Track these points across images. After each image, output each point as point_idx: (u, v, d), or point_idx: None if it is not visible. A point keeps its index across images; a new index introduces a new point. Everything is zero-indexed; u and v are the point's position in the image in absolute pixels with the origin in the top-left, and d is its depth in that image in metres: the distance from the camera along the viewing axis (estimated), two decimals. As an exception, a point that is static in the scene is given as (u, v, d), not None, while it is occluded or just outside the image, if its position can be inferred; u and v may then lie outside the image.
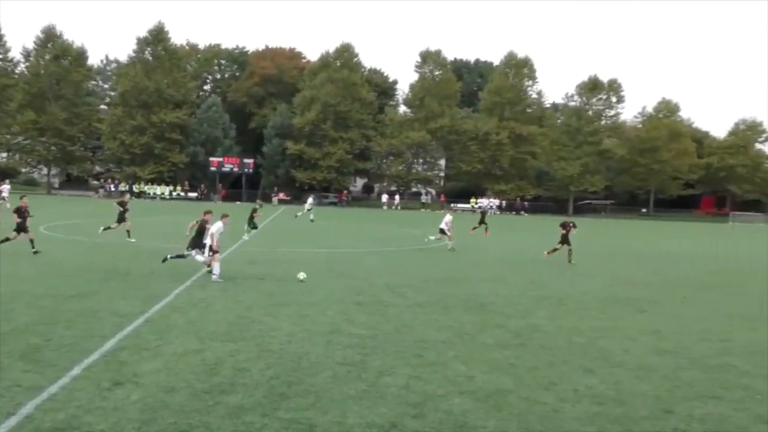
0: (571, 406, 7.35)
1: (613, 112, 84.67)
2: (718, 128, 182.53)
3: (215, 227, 15.64)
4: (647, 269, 22.35)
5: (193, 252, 15.92)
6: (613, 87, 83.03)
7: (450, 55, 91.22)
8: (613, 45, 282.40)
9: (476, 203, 75.26)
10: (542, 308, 13.54)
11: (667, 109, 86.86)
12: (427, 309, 12.91)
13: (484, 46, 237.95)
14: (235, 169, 78.60)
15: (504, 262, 22.49)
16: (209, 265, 15.59)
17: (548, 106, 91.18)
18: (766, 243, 42.79)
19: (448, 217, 25.54)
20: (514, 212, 75.11)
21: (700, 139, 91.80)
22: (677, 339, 11.21)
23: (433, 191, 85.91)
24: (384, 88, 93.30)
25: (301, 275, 15.80)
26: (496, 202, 76.46)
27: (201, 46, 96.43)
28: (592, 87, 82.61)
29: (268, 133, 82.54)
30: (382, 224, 43.73)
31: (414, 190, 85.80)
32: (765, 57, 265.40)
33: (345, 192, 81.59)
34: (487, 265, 21.44)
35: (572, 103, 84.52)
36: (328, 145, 79.47)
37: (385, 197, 78.74)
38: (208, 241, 15.49)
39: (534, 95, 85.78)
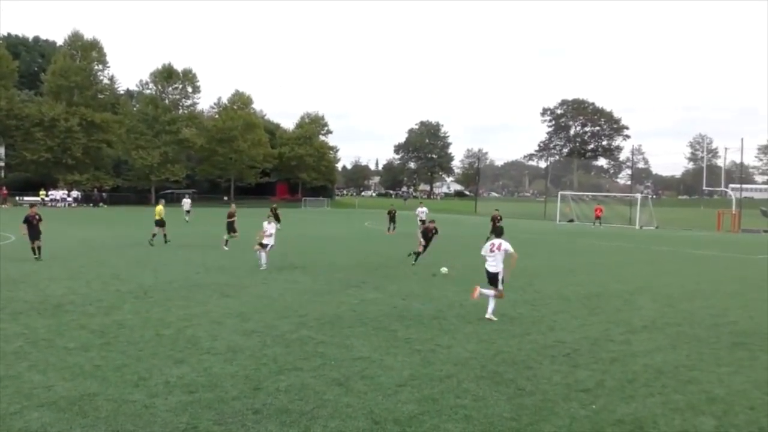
0: (162, 399, 7.22)
1: (189, 102, 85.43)
2: (288, 120, 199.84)
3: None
4: (231, 256, 23.13)
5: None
6: (189, 77, 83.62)
7: (2, 29, 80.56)
8: (186, 36, 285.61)
9: (47, 195, 68.50)
10: (127, 303, 13.02)
11: (241, 101, 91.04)
12: (-9, 318, 11.31)
13: (43, 24, 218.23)
14: None
15: (80, 256, 20.91)
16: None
17: (122, 92, 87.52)
18: (331, 222, 48.31)
19: None
20: (92, 204, 70.25)
21: (273, 130, 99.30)
22: (261, 318, 11.90)
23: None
24: None
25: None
26: (76, 194, 70.39)
27: None
28: (167, 75, 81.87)
29: None
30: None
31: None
32: (322, 54, 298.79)
33: None
34: (61, 261, 19.67)
35: (148, 91, 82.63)
36: None
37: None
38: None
39: (106, 81, 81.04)
